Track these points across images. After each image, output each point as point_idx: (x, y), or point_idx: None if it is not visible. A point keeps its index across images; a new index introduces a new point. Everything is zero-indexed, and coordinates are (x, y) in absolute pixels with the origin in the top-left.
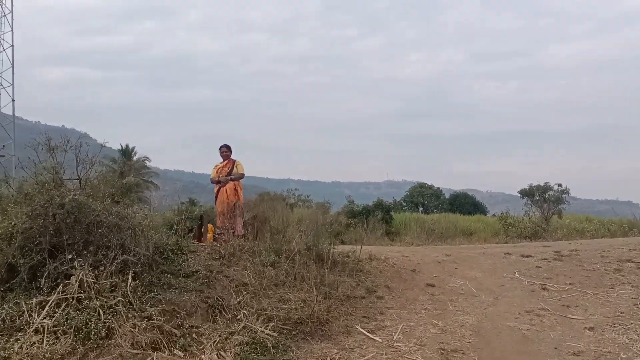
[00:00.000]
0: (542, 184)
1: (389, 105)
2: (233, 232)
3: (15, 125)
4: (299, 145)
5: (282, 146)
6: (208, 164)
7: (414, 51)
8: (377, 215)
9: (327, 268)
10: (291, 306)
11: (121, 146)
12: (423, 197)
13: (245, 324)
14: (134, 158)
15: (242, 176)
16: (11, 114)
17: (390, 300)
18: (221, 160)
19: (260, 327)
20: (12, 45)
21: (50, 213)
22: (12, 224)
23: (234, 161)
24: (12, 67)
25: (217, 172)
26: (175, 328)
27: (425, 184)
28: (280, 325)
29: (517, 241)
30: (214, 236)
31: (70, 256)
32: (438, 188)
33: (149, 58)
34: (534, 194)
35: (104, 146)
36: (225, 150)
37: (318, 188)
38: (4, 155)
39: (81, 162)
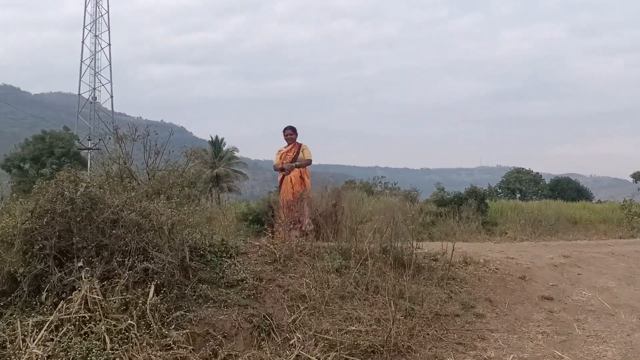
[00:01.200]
0: None
1: (482, 87)
2: (300, 228)
3: (118, 120)
4: (386, 132)
5: (370, 133)
6: None
7: (509, 29)
8: (471, 204)
9: (408, 275)
10: (361, 327)
11: (211, 138)
12: (520, 183)
13: (300, 352)
14: (224, 149)
15: (309, 162)
16: (111, 109)
17: (494, 319)
18: (285, 144)
19: (318, 356)
20: (109, 44)
21: (58, 210)
22: (13, 223)
23: (300, 145)
24: (110, 65)
25: (280, 158)
26: (206, 359)
27: (522, 168)
28: (345, 356)
29: None
30: (272, 231)
31: (80, 264)
32: (537, 173)
33: (241, 52)
34: None
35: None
36: (290, 133)
37: (406, 175)
38: (99, 149)
39: (149, 150)
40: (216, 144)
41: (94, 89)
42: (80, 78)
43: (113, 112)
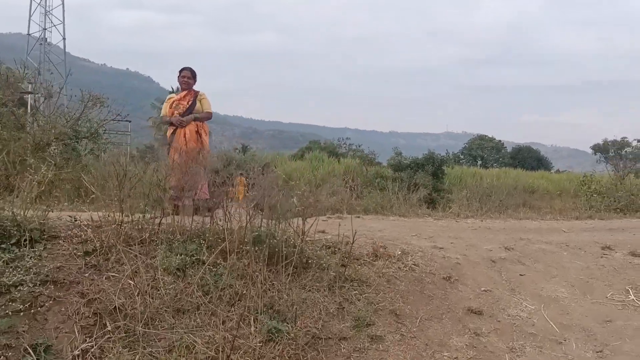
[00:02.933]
0: (618, 139)
1: (457, 53)
2: (194, 195)
3: (80, 66)
4: (359, 94)
5: (343, 93)
6: (267, 111)
7: None
8: (427, 170)
9: (287, 276)
10: None
11: (172, 88)
12: (482, 150)
13: None
14: None
15: (209, 116)
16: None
17: (396, 344)
18: (177, 88)
19: None
20: None
21: None
22: None
23: (197, 93)
24: (63, 4)
25: (171, 107)
26: None
27: (485, 136)
28: None
29: (605, 216)
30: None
31: None
32: (499, 141)
33: (215, 2)
34: (609, 150)
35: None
36: (188, 76)
37: (374, 138)
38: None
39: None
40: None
41: (44, 29)
42: (30, 17)
43: (66, 55)
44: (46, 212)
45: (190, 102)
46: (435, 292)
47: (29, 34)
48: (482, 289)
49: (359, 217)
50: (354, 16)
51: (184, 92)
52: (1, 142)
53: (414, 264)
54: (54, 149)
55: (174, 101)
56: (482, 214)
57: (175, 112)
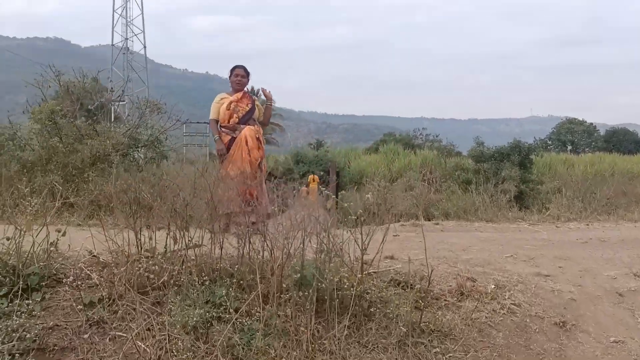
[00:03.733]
0: None
1: (539, 33)
2: (260, 211)
3: (163, 73)
4: (435, 81)
5: (418, 83)
6: (341, 104)
7: None
8: (514, 160)
9: (341, 330)
10: None
11: (246, 89)
12: (572, 135)
13: None
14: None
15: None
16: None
17: None
18: (229, 90)
19: None
20: None
21: None
22: None
23: (252, 97)
24: (142, 14)
25: (229, 110)
26: None
27: (575, 119)
28: None
29: None
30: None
31: None
32: (591, 124)
33: (286, 0)
34: None
35: None
36: (242, 75)
37: (452, 127)
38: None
39: None
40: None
41: (126, 39)
42: (113, 28)
43: (148, 62)
44: (50, 249)
45: (250, 105)
46: (547, 345)
47: (112, 45)
48: (612, 339)
49: (437, 224)
50: (425, 2)
51: (241, 94)
52: (59, 155)
53: (514, 304)
54: (113, 160)
55: (231, 102)
56: (586, 215)
57: (235, 115)
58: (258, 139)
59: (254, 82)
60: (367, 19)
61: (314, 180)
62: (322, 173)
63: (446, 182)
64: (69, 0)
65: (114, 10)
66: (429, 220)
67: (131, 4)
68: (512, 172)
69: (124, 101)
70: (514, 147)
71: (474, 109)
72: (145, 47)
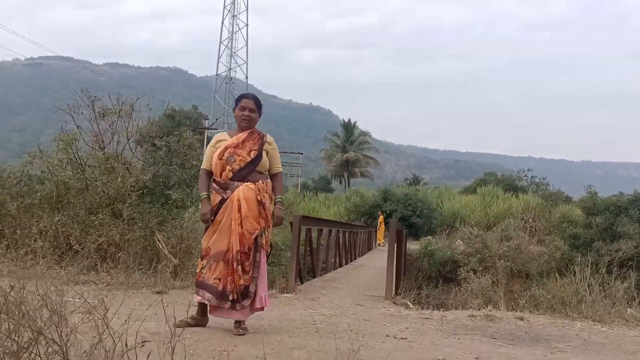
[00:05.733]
0: None
1: None
2: (252, 305)
3: (269, 102)
4: (545, 119)
5: (526, 121)
6: (442, 140)
7: None
8: (633, 215)
9: None
10: None
11: (343, 121)
12: None
13: None
14: (355, 132)
15: (281, 176)
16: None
17: None
18: (229, 129)
19: None
20: (247, 25)
21: None
22: None
23: (263, 136)
24: (247, 45)
25: (221, 160)
26: None
27: None
28: None
29: None
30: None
31: None
32: None
33: (393, 34)
34: None
35: None
36: (251, 108)
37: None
38: (216, 128)
39: None
40: (348, 127)
41: (229, 69)
42: (219, 59)
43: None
44: None
45: (254, 153)
46: None
47: (216, 75)
48: None
49: (521, 319)
50: (535, 36)
51: (244, 134)
52: (71, 192)
53: None
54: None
55: (226, 148)
56: None
57: (228, 167)
58: (260, 202)
59: (354, 114)
60: (474, 55)
61: (381, 222)
62: (410, 212)
63: (550, 234)
64: (189, 34)
65: (220, 42)
66: (511, 311)
67: (237, 36)
68: (629, 229)
69: (216, 129)
70: (634, 200)
71: (588, 150)
72: (247, 77)
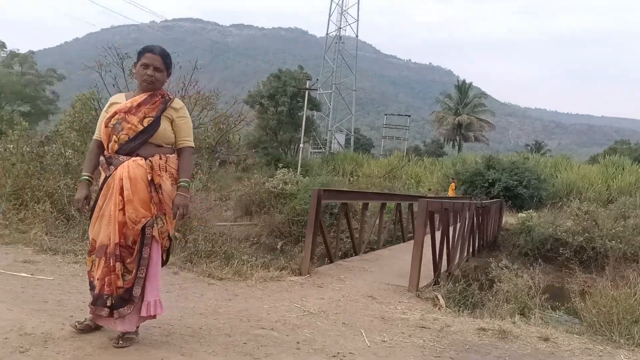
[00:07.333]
0: None
1: None
2: (138, 311)
3: (387, 63)
4: None
5: None
6: (574, 103)
7: None
8: None
9: None
10: None
11: (457, 82)
12: None
13: None
14: (470, 94)
15: (191, 168)
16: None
17: None
18: (127, 92)
19: None
20: None
21: None
22: None
23: (167, 99)
24: (358, 2)
25: (106, 128)
26: None
27: None
28: None
29: None
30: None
31: None
32: None
33: None
34: None
35: None
36: (156, 66)
37: None
38: (317, 89)
39: None
40: (462, 88)
41: (339, 28)
42: (329, 17)
43: (357, 51)
44: None
45: (148, 120)
46: None
47: (326, 34)
48: None
49: (546, 340)
50: None
51: (142, 97)
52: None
53: None
54: None
55: (115, 113)
56: None
57: (114, 136)
58: (152, 182)
59: (476, 75)
60: (623, 7)
61: (451, 187)
62: (515, 182)
63: None
64: None
65: (332, 0)
66: (537, 327)
67: None
68: None
69: (316, 89)
70: None
71: None
72: (357, 35)
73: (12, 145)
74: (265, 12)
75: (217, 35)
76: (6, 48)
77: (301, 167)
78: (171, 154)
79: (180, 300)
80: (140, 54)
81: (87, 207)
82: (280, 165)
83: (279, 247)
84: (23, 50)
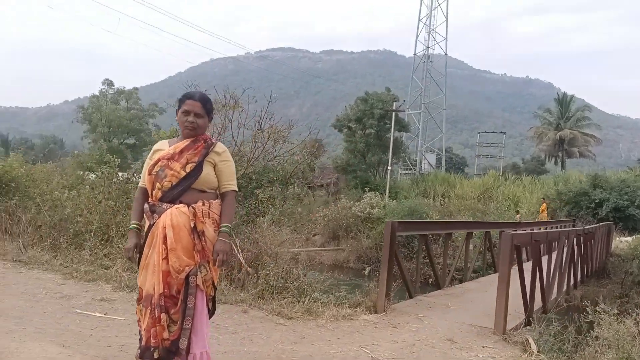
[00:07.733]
0: None
1: None
2: None
3: (480, 78)
4: None
5: None
6: None
7: None
8: None
9: None
10: None
11: (557, 95)
12: None
13: None
14: (572, 107)
15: (232, 197)
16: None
17: None
18: (174, 137)
19: None
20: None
21: None
22: None
23: (210, 143)
24: (446, 20)
25: (150, 176)
26: None
27: None
28: None
29: None
30: None
31: None
32: None
33: None
34: None
35: None
36: (197, 112)
37: None
38: (404, 110)
39: None
40: (563, 101)
41: (427, 47)
42: (417, 37)
43: (447, 71)
44: None
45: (191, 166)
46: None
47: (414, 54)
48: None
49: None
50: None
51: (184, 143)
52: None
53: None
54: None
55: (159, 160)
56: None
57: (157, 184)
58: (195, 229)
59: (578, 86)
60: None
61: (542, 209)
62: (626, 202)
63: None
64: (401, 18)
65: (419, 19)
66: None
67: (436, 12)
68: None
69: (403, 110)
70: None
71: None
72: (446, 53)
73: (101, 183)
74: (355, 35)
75: (308, 62)
76: (114, 86)
77: (390, 189)
78: (214, 200)
79: (245, 343)
80: (181, 101)
81: (137, 255)
82: (367, 189)
83: (366, 273)
84: (129, 86)
